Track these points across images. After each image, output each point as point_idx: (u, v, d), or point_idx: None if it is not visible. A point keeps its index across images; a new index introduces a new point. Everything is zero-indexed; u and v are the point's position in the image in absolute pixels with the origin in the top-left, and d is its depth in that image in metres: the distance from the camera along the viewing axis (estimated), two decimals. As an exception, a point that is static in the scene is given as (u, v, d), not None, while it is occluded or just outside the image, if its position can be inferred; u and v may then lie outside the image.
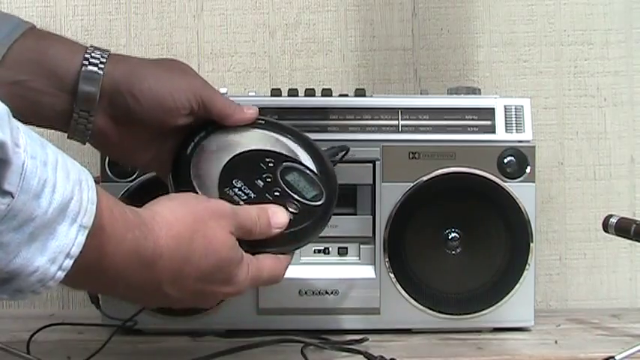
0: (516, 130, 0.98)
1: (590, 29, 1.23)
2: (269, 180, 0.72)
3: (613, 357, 0.78)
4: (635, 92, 1.23)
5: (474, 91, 1.02)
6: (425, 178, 0.96)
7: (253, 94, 1.00)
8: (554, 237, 1.22)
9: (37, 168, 0.54)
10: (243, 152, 0.73)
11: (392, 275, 0.96)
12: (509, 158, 0.97)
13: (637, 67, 1.23)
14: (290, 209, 0.71)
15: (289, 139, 0.76)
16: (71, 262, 0.56)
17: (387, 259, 0.96)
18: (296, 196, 0.72)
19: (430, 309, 0.97)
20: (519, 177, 0.97)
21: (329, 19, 1.23)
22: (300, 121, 0.98)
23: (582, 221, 1.22)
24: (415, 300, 0.96)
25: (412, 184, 0.96)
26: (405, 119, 0.98)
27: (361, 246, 0.98)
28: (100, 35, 1.21)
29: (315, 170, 0.74)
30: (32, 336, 0.89)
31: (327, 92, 1.01)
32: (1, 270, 0.53)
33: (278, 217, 0.71)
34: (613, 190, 1.23)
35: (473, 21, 1.23)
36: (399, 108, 0.99)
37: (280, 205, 0.71)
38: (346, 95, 1.01)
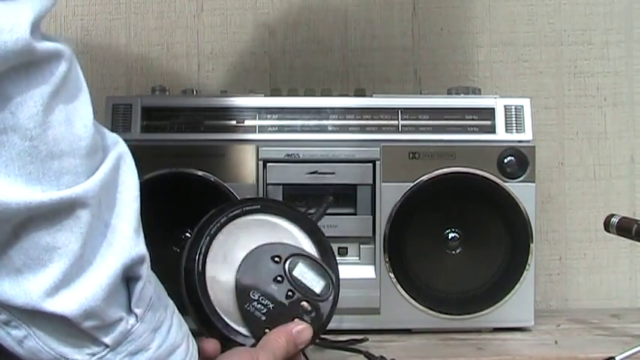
0: (516, 130, 0.98)
1: (590, 29, 1.23)
2: (280, 281, 0.74)
3: (613, 357, 0.78)
4: (635, 92, 1.23)
5: (473, 91, 1.02)
6: (425, 178, 0.96)
7: (253, 94, 1.00)
8: (554, 237, 1.22)
9: (160, 307, 0.59)
10: (250, 254, 0.74)
11: (392, 275, 0.96)
12: (509, 158, 0.97)
13: (637, 67, 1.23)
14: (305, 318, 0.74)
15: (285, 220, 0.77)
16: None
17: (387, 259, 0.96)
18: (308, 296, 0.75)
19: (430, 309, 0.97)
20: (519, 177, 0.97)
21: (329, 19, 1.23)
22: (300, 121, 0.98)
23: (582, 221, 1.22)
24: (415, 300, 0.96)
25: (412, 184, 0.96)
26: (405, 119, 0.98)
27: (361, 246, 0.98)
28: (100, 35, 1.21)
29: (315, 254, 0.76)
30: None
31: (327, 92, 1.01)
32: None
33: (302, 336, 0.72)
34: (613, 190, 1.23)
35: (473, 21, 1.23)
36: (399, 108, 0.99)
37: (297, 314, 0.74)
38: (346, 95, 1.01)
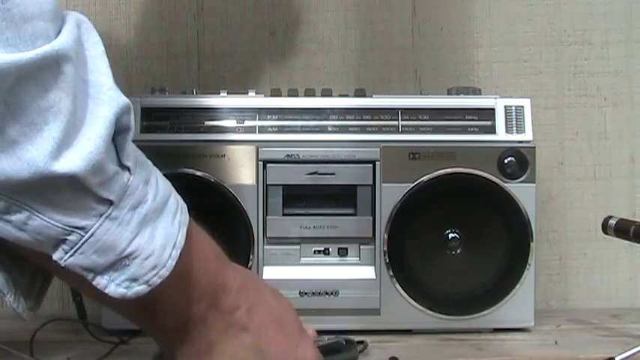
0: (516, 130, 0.98)
1: (590, 29, 1.23)
2: None
3: (613, 358, 0.78)
4: (635, 92, 1.23)
5: (474, 91, 1.02)
6: (425, 179, 0.96)
7: (253, 94, 0.99)
8: (554, 237, 1.22)
9: (143, 161, 0.59)
10: None
11: (392, 276, 0.96)
12: (509, 159, 0.97)
13: (637, 67, 1.23)
14: None
15: None
16: (178, 252, 0.58)
17: (387, 260, 0.96)
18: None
19: (430, 310, 0.97)
20: (519, 177, 0.97)
21: (329, 19, 1.23)
22: (300, 121, 0.98)
23: (582, 221, 1.22)
24: (415, 301, 0.96)
25: (412, 185, 0.96)
26: (405, 119, 0.98)
27: (361, 247, 0.98)
28: (100, 35, 1.20)
29: None
30: (34, 336, 0.88)
31: (327, 92, 1.01)
32: (122, 251, 0.55)
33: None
34: (613, 190, 1.23)
35: (473, 21, 1.23)
36: (399, 108, 0.99)
37: None
38: (346, 95, 1.01)
